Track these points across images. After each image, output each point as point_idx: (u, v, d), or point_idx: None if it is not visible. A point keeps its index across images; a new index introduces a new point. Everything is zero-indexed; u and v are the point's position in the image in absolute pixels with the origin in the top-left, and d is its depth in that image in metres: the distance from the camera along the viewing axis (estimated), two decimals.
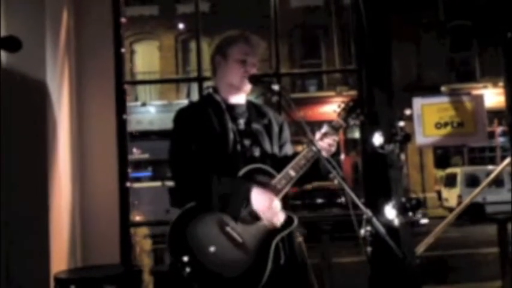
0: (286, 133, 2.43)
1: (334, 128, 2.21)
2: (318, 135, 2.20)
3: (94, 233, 3.81)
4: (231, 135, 2.23)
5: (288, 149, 2.40)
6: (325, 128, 2.21)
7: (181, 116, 2.31)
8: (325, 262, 4.71)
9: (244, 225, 2.09)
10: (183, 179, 2.20)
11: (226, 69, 2.33)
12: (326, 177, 2.24)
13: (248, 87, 2.31)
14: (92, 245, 3.80)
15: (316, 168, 2.20)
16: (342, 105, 2.26)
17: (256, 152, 2.26)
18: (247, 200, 2.08)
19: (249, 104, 2.40)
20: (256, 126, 2.32)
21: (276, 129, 2.38)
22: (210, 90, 2.40)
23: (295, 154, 2.24)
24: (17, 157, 3.26)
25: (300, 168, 2.16)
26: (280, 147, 2.39)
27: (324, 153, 2.16)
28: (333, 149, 2.21)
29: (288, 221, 2.14)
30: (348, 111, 2.24)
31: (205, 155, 2.17)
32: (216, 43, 2.39)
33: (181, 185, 2.22)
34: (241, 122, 2.31)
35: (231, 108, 2.32)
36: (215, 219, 2.09)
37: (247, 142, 2.26)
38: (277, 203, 2.11)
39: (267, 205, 2.08)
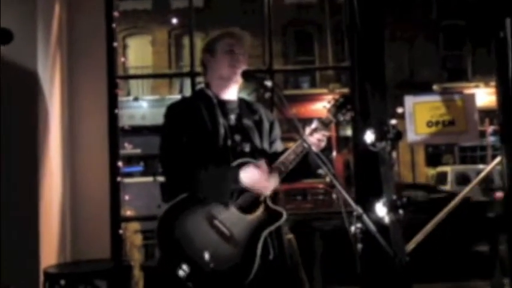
0: (277, 130, 2.45)
1: (324, 124, 2.23)
2: (307, 130, 2.21)
3: (84, 228, 3.80)
4: (222, 131, 2.24)
5: (278, 146, 2.42)
6: (315, 124, 2.23)
7: (173, 110, 2.32)
8: (316, 258, 4.72)
9: (233, 219, 2.10)
10: (174, 173, 2.21)
11: (214, 64, 2.35)
12: (315, 174, 2.25)
13: (238, 77, 2.32)
14: (82, 240, 3.79)
15: (305, 165, 2.22)
16: (332, 101, 2.27)
17: (247, 148, 2.27)
18: (237, 184, 2.08)
19: (241, 100, 2.41)
20: (247, 122, 2.33)
21: (266, 125, 2.40)
22: (202, 85, 2.41)
23: (286, 149, 2.25)
24: (7, 152, 3.24)
25: (289, 163, 2.17)
26: (271, 144, 2.40)
27: (314, 149, 2.17)
28: (323, 144, 2.23)
29: (277, 216, 2.15)
30: (338, 107, 2.26)
31: (195, 150, 2.17)
32: (203, 45, 2.42)
33: (172, 179, 2.22)
34: (232, 117, 2.32)
35: (223, 103, 2.33)
36: (203, 212, 2.10)
37: (237, 137, 2.27)
38: (265, 176, 2.12)
39: (257, 177, 2.10)
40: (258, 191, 2.13)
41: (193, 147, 2.18)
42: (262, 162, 2.15)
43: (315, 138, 2.21)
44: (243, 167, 2.12)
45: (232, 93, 2.37)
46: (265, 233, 2.11)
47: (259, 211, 2.13)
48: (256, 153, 2.27)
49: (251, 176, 2.11)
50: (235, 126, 2.30)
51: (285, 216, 2.16)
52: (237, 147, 2.25)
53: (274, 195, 2.21)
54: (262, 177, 2.11)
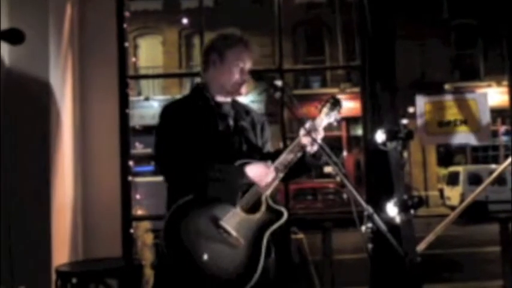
0: (267, 132, 2.46)
1: (316, 125, 2.23)
2: (301, 131, 2.21)
3: (96, 227, 3.82)
4: (220, 132, 2.26)
5: (269, 147, 2.45)
6: (307, 124, 2.22)
7: (168, 111, 2.31)
8: (327, 258, 4.71)
9: (236, 220, 2.11)
10: (171, 173, 2.21)
11: (221, 71, 2.31)
12: (310, 172, 2.27)
13: (239, 93, 2.33)
14: (94, 239, 3.81)
15: (302, 163, 2.23)
16: (323, 102, 2.28)
17: (244, 148, 2.29)
18: (242, 175, 2.11)
19: (234, 102, 2.41)
20: (243, 123, 2.35)
21: (258, 127, 2.42)
22: (199, 86, 2.40)
23: (280, 150, 2.27)
24: (19, 151, 3.27)
25: (288, 163, 2.19)
26: (262, 145, 2.42)
27: (308, 149, 2.20)
28: (316, 145, 2.23)
29: (278, 215, 2.16)
30: (329, 108, 2.26)
31: (193, 150, 2.17)
32: (213, 39, 2.36)
33: (170, 179, 2.23)
34: (229, 119, 2.33)
35: (219, 105, 2.33)
36: (208, 214, 2.11)
37: (235, 138, 2.28)
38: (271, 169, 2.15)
39: (262, 171, 2.13)
40: (261, 185, 2.14)
41: (190, 147, 2.18)
42: (265, 162, 2.18)
43: (307, 139, 2.21)
44: (247, 167, 2.14)
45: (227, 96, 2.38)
46: (268, 232, 2.13)
47: (261, 211, 2.14)
48: (254, 153, 2.29)
49: (256, 170, 2.13)
50: (232, 127, 2.31)
51: (286, 215, 2.17)
52: (235, 148, 2.26)
53: (276, 195, 2.22)
54: (266, 172, 2.14)
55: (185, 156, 2.17)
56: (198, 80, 2.61)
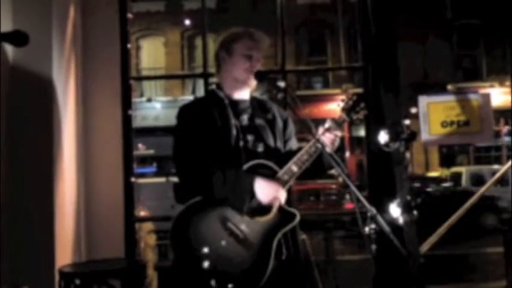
0: (291, 128, 2.43)
1: (337, 123, 2.21)
2: (320, 130, 2.20)
3: (99, 228, 3.83)
4: (234, 131, 2.23)
5: (293, 144, 2.40)
6: (328, 123, 2.20)
7: (184, 112, 2.32)
8: (330, 259, 4.71)
9: (247, 221, 2.10)
10: (187, 175, 2.21)
11: (231, 65, 2.32)
12: (328, 174, 2.24)
13: (253, 82, 2.31)
14: (97, 240, 3.81)
15: (319, 164, 2.20)
16: (346, 100, 2.24)
17: (260, 148, 2.26)
18: (251, 192, 2.08)
19: (253, 99, 2.39)
20: (259, 121, 2.32)
21: (280, 124, 2.38)
22: (213, 86, 2.40)
23: (300, 149, 2.23)
24: (22, 152, 3.28)
25: (302, 164, 2.16)
26: (285, 142, 2.38)
27: (328, 149, 2.16)
28: (336, 144, 2.21)
29: (290, 217, 2.15)
30: (352, 105, 2.22)
31: (208, 152, 2.17)
32: (220, 40, 2.38)
33: (185, 181, 2.23)
34: (245, 117, 2.30)
35: (235, 104, 2.32)
36: (217, 215, 2.10)
37: (250, 138, 2.26)
38: (282, 193, 2.13)
39: (272, 196, 2.10)
40: (270, 203, 2.12)
41: (206, 148, 2.18)
42: (275, 180, 2.14)
43: (328, 138, 2.19)
44: (260, 179, 2.11)
45: (244, 93, 2.36)
46: (279, 235, 2.11)
47: (273, 213, 2.13)
48: (270, 153, 2.26)
49: (265, 189, 2.10)
50: (247, 126, 2.28)
51: (298, 217, 2.16)
52: (250, 148, 2.24)
53: (288, 196, 2.20)
54: (275, 195, 2.11)
55: (196, 159, 2.17)
56: (200, 81, 2.61)
